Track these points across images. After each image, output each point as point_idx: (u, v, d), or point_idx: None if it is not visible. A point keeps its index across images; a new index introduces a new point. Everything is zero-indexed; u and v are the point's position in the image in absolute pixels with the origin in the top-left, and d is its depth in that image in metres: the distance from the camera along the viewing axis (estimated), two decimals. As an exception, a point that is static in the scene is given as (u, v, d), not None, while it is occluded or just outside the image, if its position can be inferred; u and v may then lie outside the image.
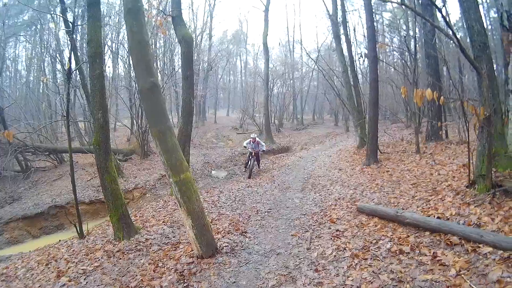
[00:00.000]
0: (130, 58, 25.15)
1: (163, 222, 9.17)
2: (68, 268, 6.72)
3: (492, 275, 3.80)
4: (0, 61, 27.85)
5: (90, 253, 7.34)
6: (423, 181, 8.85)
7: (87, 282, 5.90)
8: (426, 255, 4.70)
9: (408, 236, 5.48)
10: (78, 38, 23.77)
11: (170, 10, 13.12)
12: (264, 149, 17.25)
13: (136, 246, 7.35)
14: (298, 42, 46.04)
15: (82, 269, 6.49)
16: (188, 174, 6.02)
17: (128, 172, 18.88)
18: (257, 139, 16.62)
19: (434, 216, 5.93)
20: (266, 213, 8.83)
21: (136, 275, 5.88)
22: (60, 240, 9.37)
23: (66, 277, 6.23)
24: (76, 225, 9.00)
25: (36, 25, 29.15)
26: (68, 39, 14.92)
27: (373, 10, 16.94)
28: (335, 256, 5.39)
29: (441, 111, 14.85)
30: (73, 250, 7.92)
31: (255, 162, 16.61)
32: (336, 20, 20.02)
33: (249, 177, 15.56)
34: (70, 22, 10.81)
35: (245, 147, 16.91)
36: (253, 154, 16.17)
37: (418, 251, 4.88)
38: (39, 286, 6.14)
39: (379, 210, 6.86)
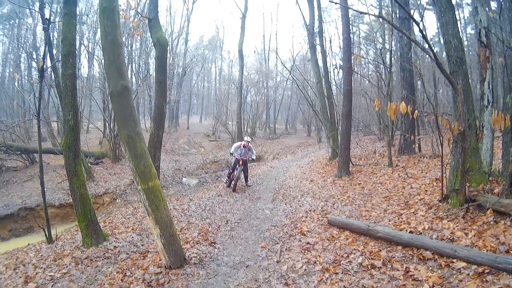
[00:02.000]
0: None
1: (132, 229, 9.04)
2: (36, 273, 6.58)
3: (465, 290, 3.78)
4: None
5: (58, 259, 7.21)
6: (395, 194, 8.93)
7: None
8: (398, 270, 4.67)
9: (380, 250, 5.46)
10: (56, 35, 23.32)
11: (147, 12, 13.01)
12: (254, 157, 14.34)
13: (104, 254, 7.21)
14: (273, 51, 46.27)
15: (49, 276, 6.35)
16: (157, 181, 5.93)
17: (99, 176, 18.57)
18: (250, 144, 13.92)
19: (406, 230, 5.95)
20: (236, 224, 8.77)
21: (104, 284, 5.75)
22: (29, 244, 9.12)
23: (34, 283, 6.07)
24: (44, 229, 8.76)
25: (14, 19, 28.65)
26: (44, 36, 14.66)
27: (350, 22, 17.10)
28: (305, 269, 5.33)
29: (414, 124, 15.05)
30: (42, 255, 7.77)
31: (241, 173, 13.86)
32: (313, 30, 20.11)
33: (234, 190, 13.18)
34: (46, 18, 10.58)
35: (231, 153, 13.91)
36: (240, 162, 13.42)
37: (390, 266, 4.85)
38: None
39: (350, 224, 6.84)
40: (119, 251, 7.31)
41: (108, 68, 5.92)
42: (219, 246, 7.11)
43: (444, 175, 6.89)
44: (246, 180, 14.37)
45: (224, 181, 15.34)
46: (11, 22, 29.92)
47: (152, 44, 13.77)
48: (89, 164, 18.62)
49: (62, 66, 7.97)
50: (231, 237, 7.70)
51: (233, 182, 13.60)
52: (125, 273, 6.06)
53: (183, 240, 7.33)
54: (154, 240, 6.67)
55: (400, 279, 4.43)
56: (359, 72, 27.63)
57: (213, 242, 7.29)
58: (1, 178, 17.97)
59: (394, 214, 7.25)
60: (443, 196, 6.84)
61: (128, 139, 5.71)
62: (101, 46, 6.43)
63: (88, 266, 6.66)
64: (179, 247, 6.16)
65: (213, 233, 8.01)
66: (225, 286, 5.22)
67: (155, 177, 5.92)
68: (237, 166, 13.59)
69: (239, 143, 13.97)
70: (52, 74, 17.21)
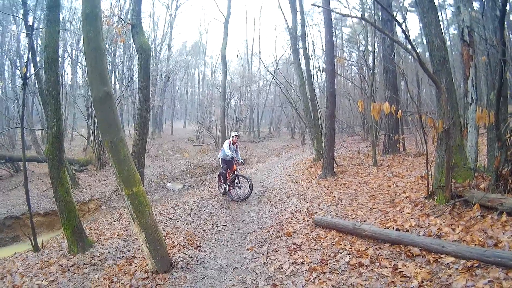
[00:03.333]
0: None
1: (117, 235, 8.95)
2: (23, 282, 6.56)
3: (456, 284, 3.77)
4: None
5: (45, 267, 7.17)
6: (380, 193, 8.96)
7: None
8: (386, 267, 4.66)
9: (367, 249, 5.44)
10: (40, 42, 23.04)
11: (130, 18, 12.93)
12: (240, 159, 12.68)
13: (90, 260, 7.14)
14: (256, 55, 46.34)
15: (37, 284, 6.33)
16: (141, 187, 5.89)
17: (84, 183, 18.32)
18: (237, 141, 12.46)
19: (393, 228, 5.94)
20: (221, 227, 8.72)
21: None
22: (15, 253, 8.99)
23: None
24: (30, 238, 8.68)
25: None
26: (27, 43, 14.52)
27: (333, 25, 17.18)
28: (292, 270, 5.30)
29: (398, 124, 15.17)
30: (28, 263, 7.70)
31: (243, 180, 12.11)
32: (295, 34, 20.16)
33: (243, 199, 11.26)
34: (29, 25, 10.46)
35: (224, 158, 12.12)
36: (234, 167, 11.98)
37: (378, 264, 4.84)
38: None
39: (336, 223, 6.81)
40: (105, 258, 7.24)
41: (90, 74, 5.91)
42: (206, 249, 7.06)
43: (429, 172, 6.90)
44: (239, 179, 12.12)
45: (220, 189, 12.94)
46: None
47: (136, 50, 13.69)
48: (74, 172, 18.37)
49: (45, 73, 7.89)
50: (217, 240, 7.66)
51: (234, 193, 11.68)
52: (112, 280, 6.01)
53: (169, 244, 7.26)
54: (140, 246, 6.59)
55: (389, 276, 4.41)
56: (342, 74, 27.83)
57: (199, 246, 7.24)
58: None
59: (380, 212, 7.24)
60: (429, 193, 6.86)
61: (111, 145, 5.68)
62: (84, 53, 6.38)
63: (75, 273, 6.62)
64: (165, 251, 6.12)
65: (199, 237, 7.96)
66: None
67: (139, 183, 5.88)
68: (235, 173, 11.89)
69: (228, 140, 12.16)
70: (36, 81, 16.96)
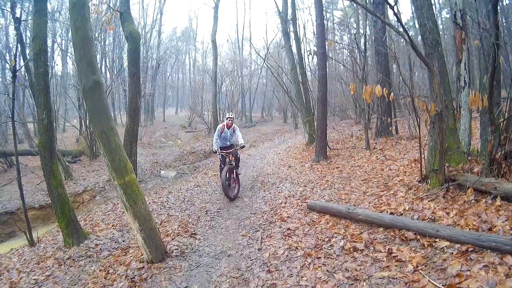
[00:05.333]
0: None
1: (112, 226, 8.94)
2: (21, 278, 6.53)
3: (451, 269, 3.77)
4: None
5: (41, 262, 7.17)
6: (374, 176, 8.97)
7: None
8: (381, 252, 4.67)
9: (361, 233, 5.45)
10: (29, 35, 22.74)
11: (119, 5, 12.74)
12: (242, 141, 10.85)
13: (86, 252, 7.11)
14: (247, 40, 46.07)
15: (34, 279, 6.30)
16: (133, 176, 5.88)
17: (77, 174, 18.26)
18: (234, 123, 10.92)
19: (387, 212, 5.95)
20: (215, 213, 8.69)
21: (88, 283, 5.69)
22: (12, 249, 8.96)
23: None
24: (26, 233, 8.65)
25: None
26: (15, 35, 14.32)
27: (324, 8, 17.04)
28: (287, 256, 5.31)
29: (390, 107, 15.15)
30: (25, 259, 7.70)
31: (232, 173, 10.34)
32: (286, 17, 20.04)
33: (231, 199, 9.54)
34: (17, 17, 10.31)
35: (216, 151, 10.46)
36: (231, 157, 10.14)
37: (372, 248, 4.85)
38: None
39: (330, 207, 6.81)
40: (100, 249, 7.23)
41: (79, 63, 5.82)
42: (200, 237, 7.05)
43: (423, 156, 6.89)
44: (237, 176, 10.47)
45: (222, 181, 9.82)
46: None
47: (125, 37, 13.52)
48: (67, 163, 18.31)
49: (34, 65, 7.82)
50: (211, 227, 7.65)
51: (225, 185, 9.44)
52: (108, 271, 5.99)
53: (164, 233, 7.28)
54: (134, 236, 6.58)
55: (384, 261, 4.42)
56: (334, 58, 27.73)
57: (193, 233, 7.23)
58: None
59: (374, 196, 7.25)
60: (422, 176, 6.86)
61: (102, 134, 5.66)
62: (72, 43, 6.28)
63: (71, 266, 6.60)
64: (160, 240, 6.14)
65: (193, 224, 7.94)
66: (208, 277, 5.18)
67: (131, 172, 5.87)
68: (227, 160, 10.10)
69: (221, 124, 10.79)
70: (26, 74, 16.80)
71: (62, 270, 6.43)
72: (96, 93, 5.67)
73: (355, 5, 21.49)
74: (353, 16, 27.03)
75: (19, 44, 10.45)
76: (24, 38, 16.48)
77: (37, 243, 8.67)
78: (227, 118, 10.73)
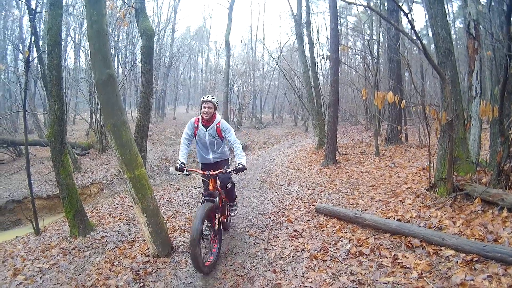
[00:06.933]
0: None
1: (119, 219, 8.96)
2: (25, 266, 6.55)
3: (455, 278, 3.77)
4: None
5: (46, 250, 7.17)
6: (382, 183, 8.96)
7: (43, 281, 5.70)
8: (386, 257, 4.66)
9: (368, 238, 5.45)
10: (42, 26, 22.93)
11: (134, 2, 12.82)
12: (239, 148, 6.19)
13: (92, 244, 7.14)
14: (260, 42, 46.07)
15: (38, 267, 6.31)
16: (143, 170, 5.91)
17: (86, 167, 18.33)
18: (219, 117, 6.34)
19: (394, 218, 5.94)
20: None
21: (92, 274, 5.71)
22: (16, 237, 9.03)
23: (22, 275, 6.04)
24: (32, 221, 8.68)
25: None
26: (29, 26, 14.41)
27: (338, 13, 17.02)
28: (293, 257, 5.31)
29: (401, 114, 15.13)
30: (30, 247, 7.72)
31: (216, 222, 5.49)
32: (300, 21, 20.07)
33: (201, 271, 5.01)
34: (32, 8, 10.41)
35: (178, 168, 5.77)
36: (211, 182, 5.73)
37: (378, 253, 4.84)
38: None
39: (337, 211, 6.80)
40: (106, 241, 7.26)
41: (93, 57, 5.86)
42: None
43: (431, 164, 6.89)
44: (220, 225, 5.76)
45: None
46: None
47: (139, 34, 13.58)
48: (76, 155, 18.43)
49: (48, 56, 7.86)
50: None
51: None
52: (113, 263, 6.02)
53: (171, 228, 7.30)
54: (141, 229, 6.65)
55: (389, 266, 4.42)
56: (346, 63, 27.68)
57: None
58: None
59: (382, 202, 7.25)
60: (430, 185, 6.85)
61: (114, 128, 5.68)
62: (87, 36, 6.31)
63: (76, 256, 6.62)
64: (166, 235, 6.16)
65: None
66: (213, 273, 5.16)
67: (141, 166, 5.91)
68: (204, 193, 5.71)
69: (193, 119, 6.31)
70: (39, 65, 16.92)
71: (67, 260, 6.48)
72: (109, 86, 5.73)
73: (369, 11, 21.45)
74: (367, 22, 26.99)
75: (32, 36, 10.53)
76: (37, 29, 16.66)
77: (43, 232, 8.72)
78: (202, 103, 6.03)
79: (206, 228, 5.29)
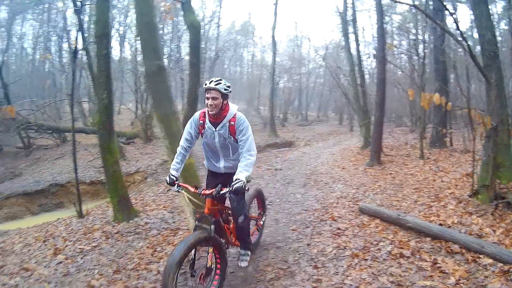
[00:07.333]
0: (137, 42, 24.69)
1: (163, 207, 9.12)
2: (66, 246, 6.73)
3: (491, 287, 3.80)
4: (7, 38, 27.96)
5: (89, 233, 7.37)
6: (425, 186, 8.86)
7: (84, 261, 5.90)
8: (426, 261, 4.69)
9: (409, 240, 5.46)
10: (86, 18, 23.70)
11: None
12: (249, 174, 4.17)
13: (135, 229, 7.35)
14: (306, 38, 45.61)
15: (79, 248, 6.51)
16: (191, 160, 6.06)
17: (131, 155, 18.80)
18: (234, 109, 4.36)
19: (435, 223, 5.92)
20: (267, 206, 8.52)
21: (134, 258, 5.89)
22: (58, 218, 9.37)
23: (63, 255, 6.26)
24: (76, 204, 9.01)
25: (43, 3, 29.13)
26: (76, 18, 14.76)
27: (383, 12, 16.68)
28: (335, 254, 5.35)
29: (446, 117, 14.80)
30: (72, 228, 7.93)
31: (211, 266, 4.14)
32: (346, 18, 19.86)
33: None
34: (78, 1, 10.78)
35: (170, 182, 4.36)
36: (208, 204, 4.14)
37: (418, 256, 4.86)
38: (35, 262, 6.06)
39: (381, 212, 6.81)
40: (150, 227, 7.45)
41: (144, 48, 6.10)
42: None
43: (475, 170, 6.82)
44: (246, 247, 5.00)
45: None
46: (40, 7, 30.46)
47: (184, 28, 13.68)
48: (121, 144, 18.90)
49: (96, 47, 8.07)
50: None
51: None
52: (156, 249, 6.20)
53: None
54: (185, 218, 6.78)
55: (428, 270, 4.45)
56: (392, 62, 27.14)
57: None
58: (32, 155, 18.64)
59: (424, 206, 7.21)
60: (473, 191, 6.77)
61: (164, 117, 5.85)
62: (132, 29, 6.52)
63: (118, 240, 6.85)
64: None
65: None
66: (255, 265, 5.23)
67: (190, 156, 5.87)
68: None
69: (198, 112, 4.56)
70: (84, 56, 17.09)
71: (109, 243, 6.68)
72: (160, 77, 5.89)
73: (414, 10, 20.91)
74: (412, 22, 26.33)
75: (79, 27, 10.87)
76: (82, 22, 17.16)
77: (86, 216, 8.96)
78: (205, 92, 4.14)
79: (195, 261, 4.09)
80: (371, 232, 6.14)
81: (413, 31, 25.19)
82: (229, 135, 4.36)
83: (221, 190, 4.03)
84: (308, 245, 5.87)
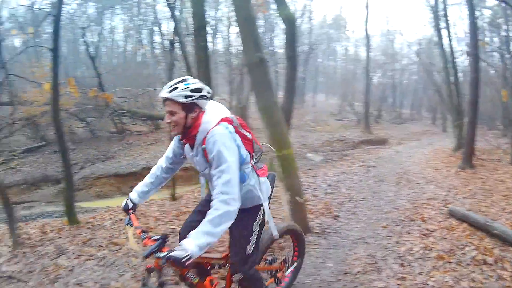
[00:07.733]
0: (230, 35, 25.11)
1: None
2: (157, 225, 6.94)
3: None
4: (98, 32, 30.49)
5: (181, 215, 7.47)
6: (515, 194, 8.55)
7: (175, 241, 5.29)
8: (507, 271, 4.69)
9: (494, 248, 5.43)
10: (177, 13, 24.57)
11: (273, -10, 13.00)
12: (190, 243, 2.34)
13: None
14: (399, 33, 44.05)
15: (171, 228, 6.68)
16: (291, 150, 6.08)
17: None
18: (208, 123, 2.73)
19: (522, 233, 5.81)
20: (359, 201, 8.76)
21: (225, 242, 5.94)
22: (151, 200, 9.47)
23: (154, 233, 6.19)
24: (170, 188, 9.18)
25: None
26: (167, 12, 15.43)
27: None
28: (421, 254, 5.42)
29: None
30: (164, 209, 8.15)
31: None
32: (437, 12, 19.10)
33: None
34: None
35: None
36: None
37: (500, 265, 4.85)
38: (125, 238, 5.91)
39: (469, 216, 6.74)
40: None
41: (244, 41, 6.20)
42: (342, 220, 7.26)
43: None
44: None
45: None
46: (128, 2, 32.69)
47: (275, 21, 13.56)
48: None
49: (195, 39, 8.23)
50: (354, 213, 7.80)
51: None
52: None
53: (307, 210, 7.21)
54: (279, 207, 6.83)
55: (508, 280, 4.49)
56: (484, 60, 25.56)
57: (336, 216, 7.45)
58: (125, 140, 20.02)
59: (512, 214, 7.03)
60: None
61: (265, 107, 5.94)
62: (224, 23, 6.76)
63: None
64: (305, 215, 6.26)
65: (336, 208, 8.10)
66: (344, 258, 5.34)
67: (289, 146, 6.11)
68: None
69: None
70: (179, 48, 17.87)
71: None
72: (261, 69, 5.94)
73: (503, 5, 19.46)
74: (502, 16, 24.55)
75: (174, 20, 11.57)
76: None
77: (179, 199, 9.16)
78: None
79: None
80: (458, 235, 6.16)
81: (504, 27, 23.56)
82: (208, 164, 2.79)
83: (157, 250, 2.45)
84: (397, 243, 6.00)
